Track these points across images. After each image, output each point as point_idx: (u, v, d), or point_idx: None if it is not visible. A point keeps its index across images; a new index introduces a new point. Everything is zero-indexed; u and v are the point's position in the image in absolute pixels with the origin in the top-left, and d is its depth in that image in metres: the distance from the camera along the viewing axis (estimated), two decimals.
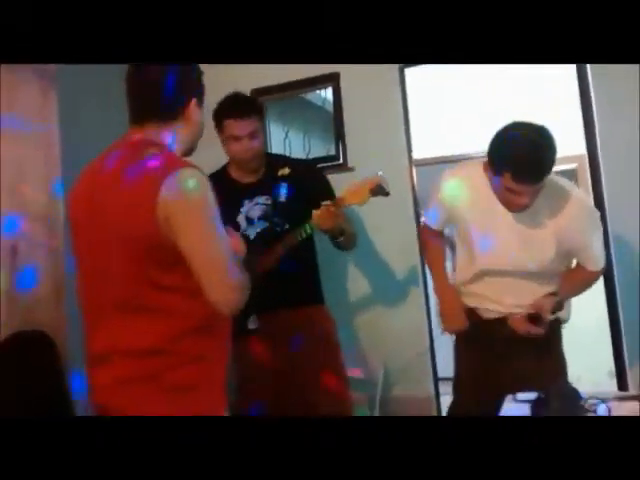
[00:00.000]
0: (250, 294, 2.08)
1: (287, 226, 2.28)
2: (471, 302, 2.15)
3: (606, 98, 2.80)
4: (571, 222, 1.94)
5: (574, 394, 1.54)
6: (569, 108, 3.07)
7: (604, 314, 2.89)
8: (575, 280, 2.09)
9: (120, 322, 1.47)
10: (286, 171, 2.35)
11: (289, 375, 2.35)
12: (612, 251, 2.80)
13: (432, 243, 2.27)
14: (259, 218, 2.33)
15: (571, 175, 3.83)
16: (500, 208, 1.96)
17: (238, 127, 2.25)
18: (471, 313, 2.15)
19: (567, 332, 3.26)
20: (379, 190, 2.00)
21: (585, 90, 2.88)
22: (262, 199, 2.34)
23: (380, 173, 2.03)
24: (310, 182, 2.35)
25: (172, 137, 1.50)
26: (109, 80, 1.79)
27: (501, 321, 2.07)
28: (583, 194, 2.10)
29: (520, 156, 1.79)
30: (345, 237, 2.25)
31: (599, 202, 2.85)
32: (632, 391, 2.14)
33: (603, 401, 1.51)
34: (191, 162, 1.46)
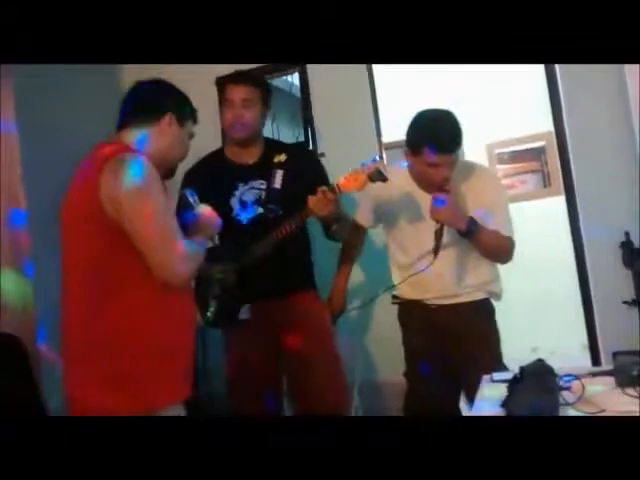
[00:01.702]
0: (242, 283, 2.11)
1: (281, 213, 2.24)
2: (414, 295, 2.25)
3: (572, 75, 2.81)
4: (484, 191, 2.14)
5: (549, 371, 1.55)
6: (536, 86, 3.09)
7: (576, 289, 2.93)
8: (490, 232, 2.10)
9: (83, 311, 1.54)
10: (283, 157, 2.33)
11: (282, 364, 2.34)
12: (582, 227, 2.84)
13: (352, 235, 2.38)
14: (253, 203, 2.30)
15: (539, 152, 3.86)
16: (421, 193, 2.14)
17: (233, 91, 2.28)
18: (414, 304, 2.26)
19: (540, 308, 3.33)
20: (377, 176, 1.99)
21: (551, 68, 2.89)
22: (257, 183, 2.32)
23: (378, 158, 2.02)
24: (306, 169, 2.33)
25: (140, 139, 1.63)
26: (70, 79, 1.79)
27: (444, 308, 2.20)
28: (489, 168, 2.40)
29: (437, 128, 2.05)
30: (339, 225, 2.23)
31: (567, 178, 2.88)
32: (605, 365, 2.17)
33: (577, 377, 1.52)
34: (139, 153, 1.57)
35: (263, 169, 2.31)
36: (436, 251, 2.07)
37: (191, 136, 1.77)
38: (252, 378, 2.28)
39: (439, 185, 2.04)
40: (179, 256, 1.52)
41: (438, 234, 2.06)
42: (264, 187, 2.29)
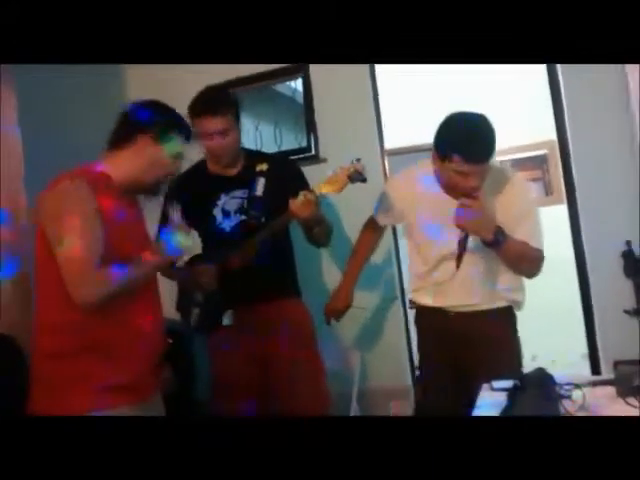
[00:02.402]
0: (225, 289, 2.13)
1: (263, 219, 2.26)
2: (432, 302, 2.17)
3: (575, 84, 2.82)
4: (514, 199, 2.02)
5: (549, 380, 1.54)
6: (539, 94, 3.09)
7: (577, 298, 2.93)
8: (519, 242, 2.00)
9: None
10: (264, 167, 2.33)
11: (265, 369, 2.34)
12: (583, 235, 2.83)
13: (367, 233, 2.33)
14: (235, 211, 2.31)
15: (542, 161, 3.86)
16: (447, 198, 2.01)
17: (208, 124, 2.22)
18: (432, 310, 2.18)
19: (541, 317, 3.32)
20: (356, 176, 1.99)
21: (554, 76, 2.90)
22: (239, 193, 2.32)
23: (356, 159, 2.02)
24: (286, 175, 2.33)
25: (115, 165, 1.72)
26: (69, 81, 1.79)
27: (463, 316, 2.11)
28: (521, 176, 2.21)
29: (469, 135, 1.89)
30: (321, 228, 2.25)
31: (569, 187, 2.88)
32: (605, 375, 2.16)
33: (578, 386, 1.52)
34: (93, 172, 1.69)
35: (245, 179, 2.33)
36: (459, 261, 2.00)
37: (179, 155, 1.78)
38: (236, 384, 2.29)
39: (467, 195, 1.92)
40: (89, 281, 1.56)
41: (462, 243, 1.98)
42: (246, 196, 2.31)
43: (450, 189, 2.01)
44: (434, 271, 2.12)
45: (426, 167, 2.09)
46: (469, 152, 1.88)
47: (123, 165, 1.73)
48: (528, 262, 2.03)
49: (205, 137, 2.25)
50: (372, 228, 2.34)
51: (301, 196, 2.04)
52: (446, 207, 1.99)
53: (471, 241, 1.99)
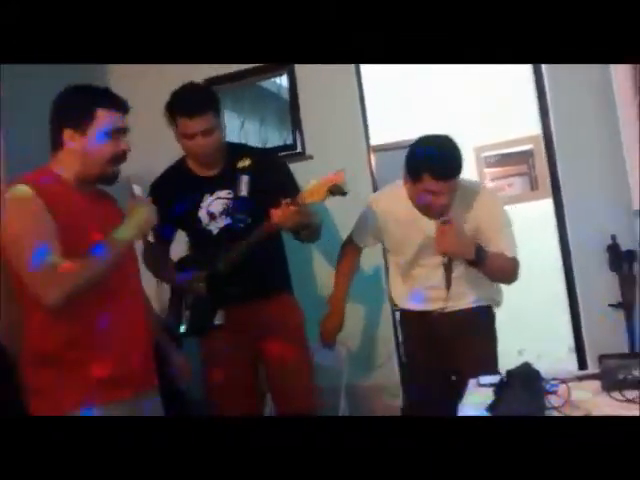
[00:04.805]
0: (216, 289, 2.10)
1: (250, 221, 2.21)
2: (416, 307, 2.28)
3: (559, 78, 2.82)
4: (484, 212, 2.12)
5: (535, 375, 1.55)
6: (524, 89, 3.10)
7: (563, 292, 2.94)
8: (497, 256, 2.09)
9: None
10: (247, 162, 2.27)
11: (257, 366, 2.35)
12: (568, 230, 2.85)
13: (347, 256, 2.40)
14: (221, 213, 2.26)
15: (527, 155, 3.88)
16: (421, 217, 2.13)
17: (190, 125, 2.14)
18: (418, 313, 2.28)
19: (526, 311, 3.33)
20: (337, 190, 1.96)
21: (539, 70, 2.90)
22: (223, 193, 2.26)
23: (340, 170, 1.99)
24: (272, 175, 2.26)
25: (59, 164, 1.70)
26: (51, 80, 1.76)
27: (443, 316, 2.22)
28: (489, 188, 2.37)
29: (436, 154, 2.02)
30: (307, 232, 2.20)
31: (555, 181, 2.89)
32: (591, 369, 2.18)
33: (564, 382, 1.52)
34: (40, 175, 1.67)
35: (228, 178, 2.26)
36: (448, 285, 2.13)
37: (115, 132, 1.68)
38: (230, 383, 2.28)
39: (439, 213, 2.02)
40: (46, 282, 1.54)
41: (447, 267, 2.10)
42: (231, 196, 2.26)
43: (423, 209, 2.11)
44: (422, 291, 2.23)
45: (400, 189, 2.18)
46: (438, 168, 1.99)
47: (65, 163, 1.68)
48: (507, 272, 2.13)
49: (186, 137, 2.18)
50: (351, 248, 2.40)
51: (283, 206, 1.98)
52: (424, 228, 2.11)
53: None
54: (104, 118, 1.67)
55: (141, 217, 1.68)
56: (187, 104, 2.16)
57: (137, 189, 1.73)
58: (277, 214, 1.99)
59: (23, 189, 1.59)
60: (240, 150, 2.38)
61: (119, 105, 1.71)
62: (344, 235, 2.49)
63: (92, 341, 1.64)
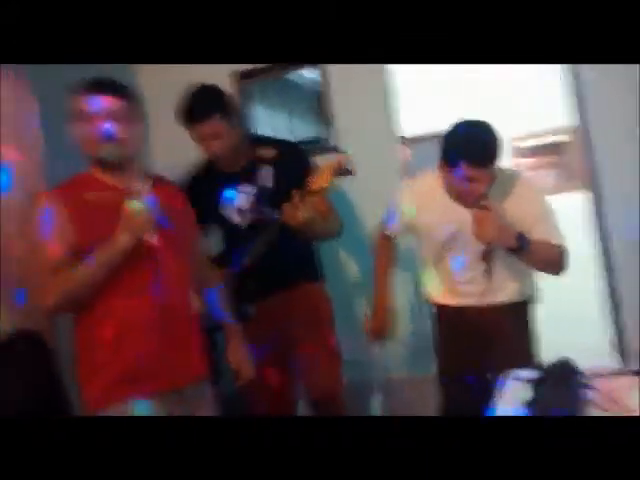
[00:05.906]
0: (246, 281, 2.20)
1: (277, 214, 2.18)
2: (452, 300, 2.23)
3: (596, 69, 2.75)
4: (523, 199, 2.02)
5: (574, 370, 1.52)
6: (558, 79, 3.03)
7: (602, 286, 2.88)
8: (541, 243, 1.99)
9: None
10: (269, 154, 2.28)
11: (285, 358, 2.36)
12: (608, 223, 2.78)
13: (382, 250, 2.34)
14: (248, 208, 2.28)
15: (562, 146, 3.81)
16: (456, 205, 2.04)
17: (197, 131, 2.18)
18: (454, 308, 2.23)
19: (565, 305, 3.28)
20: (342, 170, 1.95)
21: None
22: (248, 188, 2.28)
23: (345, 153, 1.97)
24: (295, 167, 2.24)
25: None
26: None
27: (478, 310, 2.16)
28: (523, 174, 2.27)
29: (474, 140, 1.93)
30: (325, 226, 2.17)
31: (593, 173, 2.83)
32: (631, 366, 2.13)
33: (603, 376, 1.49)
34: (70, 182, 1.76)
35: (252, 172, 2.28)
36: (488, 275, 2.07)
37: (100, 113, 1.67)
38: (262, 376, 2.27)
39: (475, 201, 1.94)
40: (45, 290, 1.66)
41: (486, 256, 2.03)
42: (255, 191, 2.27)
43: (458, 197, 2.03)
44: (461, 283, 2.16)
45: (433, 177, 2.11)
46: (474, 156, 1.91)
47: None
48: (553, 260, 2.01)
49: (200, 142, 2.21)
50: (384, 240, 2.33)
51: (293, 197, 1.97)
52: (457, 212, 2.03)
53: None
54: (78, 102, 1.68)
55: (134, 222, 1.63)
56: (191, 112, 2.18)
57: (139, 185, 1.68)
58: (287, 208, 1.99)
59: (45, 200, 1.71)
60: (263, 142, 2.39)
61: (101, 88, 1.69)
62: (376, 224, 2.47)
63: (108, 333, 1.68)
